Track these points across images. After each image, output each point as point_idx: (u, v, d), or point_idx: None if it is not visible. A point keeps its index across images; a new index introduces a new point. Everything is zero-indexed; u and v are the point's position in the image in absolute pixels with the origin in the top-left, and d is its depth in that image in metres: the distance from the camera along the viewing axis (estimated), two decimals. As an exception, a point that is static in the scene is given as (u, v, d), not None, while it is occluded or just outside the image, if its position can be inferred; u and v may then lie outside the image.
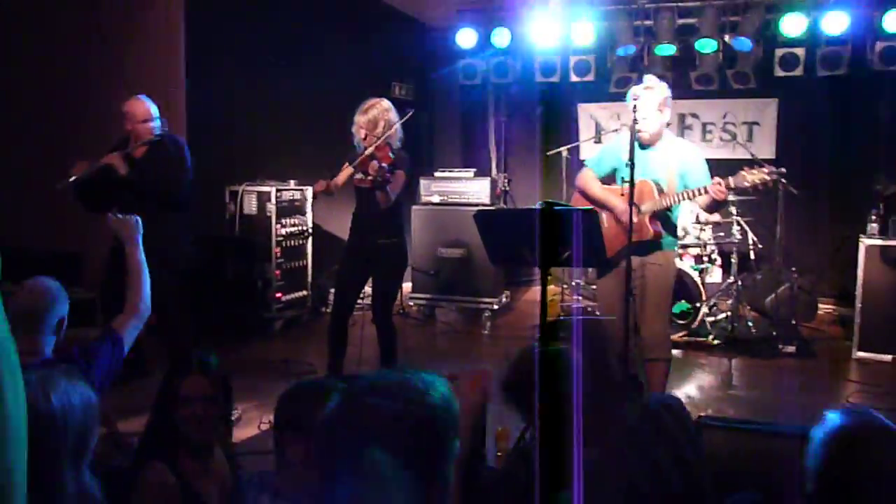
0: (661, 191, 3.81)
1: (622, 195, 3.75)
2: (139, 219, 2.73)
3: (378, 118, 4.13)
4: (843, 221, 6.66)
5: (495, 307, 6.61)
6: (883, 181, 6.17)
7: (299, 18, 6.38)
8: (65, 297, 2.36)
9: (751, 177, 3.57)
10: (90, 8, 5.65)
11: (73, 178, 3.83)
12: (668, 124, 3.93)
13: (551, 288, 7.32)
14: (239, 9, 5.84)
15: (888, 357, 5.28)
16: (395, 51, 7.95)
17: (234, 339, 5.63)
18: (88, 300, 4.65)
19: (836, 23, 6.48)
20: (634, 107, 3.56)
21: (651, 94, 3.77)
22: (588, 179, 4.02)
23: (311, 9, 6.53)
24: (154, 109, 4.13)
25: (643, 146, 3.78)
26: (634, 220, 3.59)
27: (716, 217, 6.06)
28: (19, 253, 5.34)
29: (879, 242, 5.36)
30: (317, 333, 5.76)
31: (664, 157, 3.84)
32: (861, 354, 5.39)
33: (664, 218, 3.89)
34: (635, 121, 3.53)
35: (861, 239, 5.44)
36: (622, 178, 3.83)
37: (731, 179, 3.60)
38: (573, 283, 6.82)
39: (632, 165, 3.46)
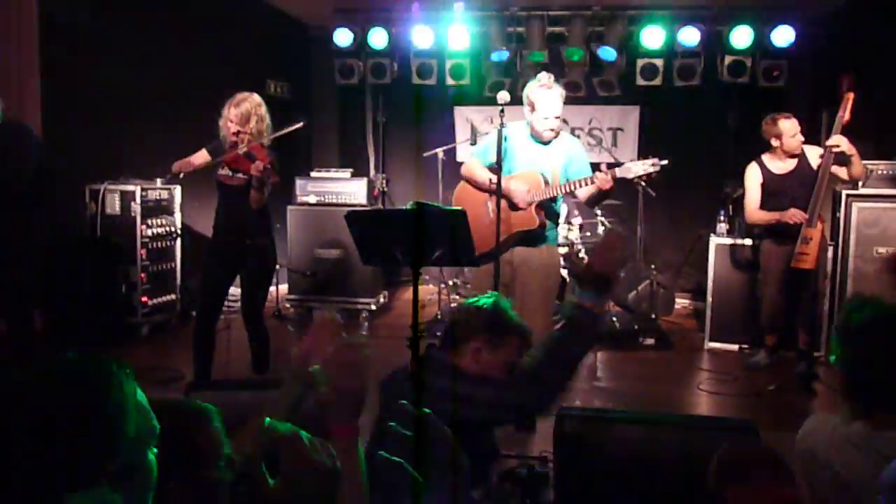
0: (546, 182, 3.89)
1: (510, 181, 3.86)
2: None
3: (250, 112, 3.98)
4: (697, 222, 7.17)
5: (373, 307, 6.63)
6: (731, 184, 6.70)
7: (169, 8, 6.12)
8: None
9: (636, 167, 3.74)
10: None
11: None
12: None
13: (429, 288, 7.44)
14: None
15: (735, 347, 5.73)
16: (271, 48, 7.79)
17: (98, 346, 5.33)
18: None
19: (690, 37, 6.96)
20: (534, 104, 3.81)
21: (556, 93, 3.87)
22: (474, 168, 4.04)
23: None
24: None
25: (539, 141, 3.91)
26: (522, 210, 3.74)
27: (582, 218, 6.37)
28: None
29: (727, 241, 5.80)
30: (186, 338, 5.50)
31: (552, 151, 3.96)
32: (712, 345, 5.82)
33: (549, 210, 3.98)
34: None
35: (711, 238, 5.86)
36: (510, 166, 3.93)
37: (616, 170, 3.75)
38: (450, 283, 6.94)
39: (499, 160, 3.62)
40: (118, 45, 5.72)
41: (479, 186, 4.00)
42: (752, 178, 5.10)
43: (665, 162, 3.76)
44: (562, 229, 6.32)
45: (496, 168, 3.68)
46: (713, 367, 5.42)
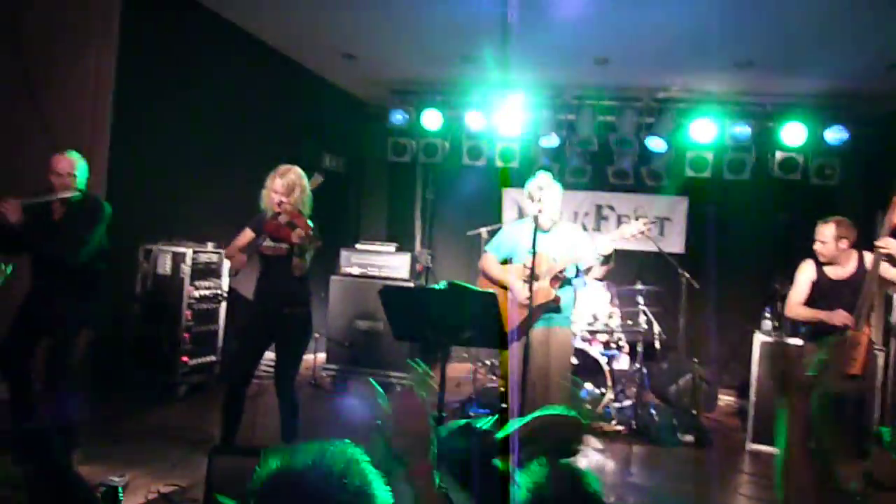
0: (554, 259, 4.36)
1: (516, 272, 4.40)
2: None
3: (295, 183, 4.12)
4: (742, 316, 7.01)
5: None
6: (780, 281, 6.55)
7: (231, 81, 6.45)
8: None
9: (628, 229, 4.23)
10: (15, 56, 5.61)
11: None
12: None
13: (464, 367, 7.39)
14: (168, 69, 5.88)
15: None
16: (329, 123, 8.11)
17: (136, 403, 5.43)
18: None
19: (741, 130, 6.99)
20: (539, 198, 4.28)
21: (556, 190, 4.41)
22: (488, 262, 4.60)
23: (243, 73, 6.63)
24: (79, 166, 4.12)
25: (543, 230, 4.35)
26: (523, 291, 4.22)
27: (621, 308, 6.31)
28: None
29: (773, 339, 5.64)
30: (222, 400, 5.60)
31: (558, 238, 4.46)
32: (754, 447, 5.59)
33: (562, 287, 4.42)
34: (538, 210, 4.24)
35: (756, 334, 5.71)
36: (518, 259, 4.49)
37: (613, 233, 4.34)
38: (487, 363, 6.89)
39: (534, 244, 4.04)
40: (184, 112, 6.03)
41: (494, 281, 4.50)
42: (805, 273, 4.74)
43: (653, 221, 4.31)
44: (603, 317, 6.27)
45: (509, 260, 4.43)
46: (754, 470, 5.19)
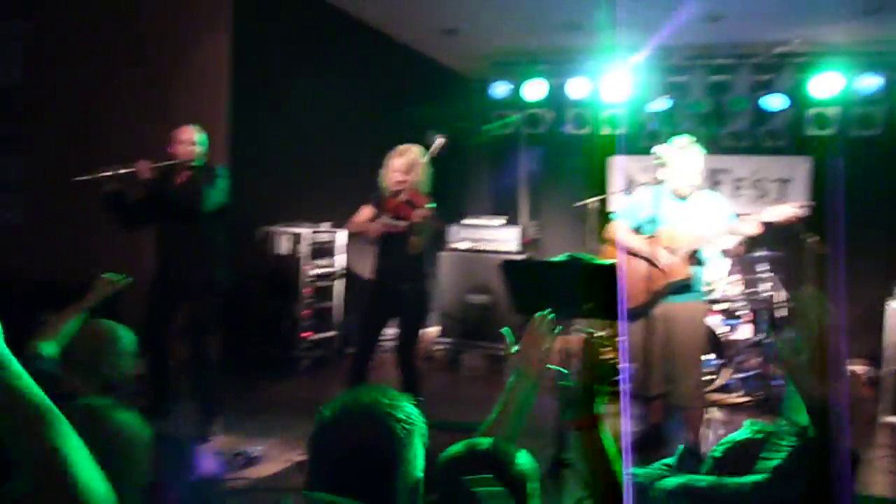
0: (694, 234, 4.02)
1: (655, 243, 4.05)
2: None
3: (414, 162, 4.21)
4: (874, 283, 6.58)
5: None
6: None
7: (334, 63, 6.58)
8: (125, 337, 2.48)
9: (783, 210, 3.84)
10: (138, 47, 5.93)
11: (94, 176, 4.05)
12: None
13: (577, 338, 7.31)
14: (278, 49, 6.05)
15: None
16: (431, 99, 8.14)
17: (261, 377, 5.71)
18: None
19: (869, 83, 6.51)
20: (674, 162, 3.98)
21: (695, 152, 4.06)
22: (620, 231, 4.21)
23: (348, 53, 6.74)
24: (199, 137, 4.33)
25: (680, 199, 4.07)
26: (670, 261, 3.92)
27: (743, 275, 6.05)
28: (55, 285, 5.55)
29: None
30: (342, 374, 5.80)
31: (696, 207, 4.10)
32: (889, 419, 5.27)
33: (697, 260, 4.09)
34: (663, 175, 3.92)
35: (888, 302, 5.36)
36: (651, 228, 4.14)
37: (763, 213, 3.88)
38: (600, 334, 6.79)
39: (658, 217, 3.77)
40: (295, 97, 6.21)
41: (626, 250, 4.15)
42: None
43: (813, 203, 3.83)
44: (722, 285, 6.04)
45: (638, 230, 4.04)
46: (890, 443, 4.90)
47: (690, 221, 4.05)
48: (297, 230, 6.09)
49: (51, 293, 5.71)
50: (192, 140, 4.29)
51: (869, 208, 7.09)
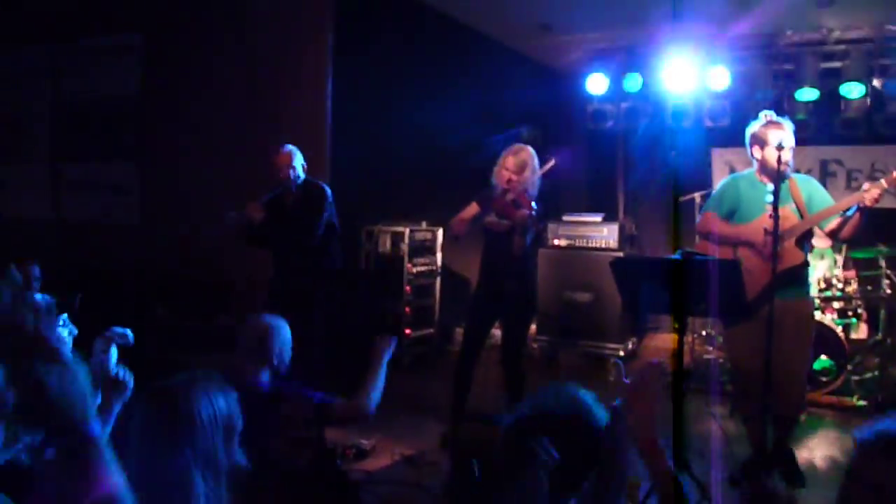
0: (801, 214, 3.73)
1: (756, 230, 3.71)
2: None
3: (526, 162, 4.21)
4: None
5: (622, 353, 6.52)
6: None
7: (430, 62, 6.65)
8: (284, 331, 2.88)
9: (869, 194, 3.42)
10: (249, 62, 6.19)
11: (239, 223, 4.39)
12: None
13: (670, 336, 7.12)
14: (376, 50, 6.17)
15: None
16: (523, 95, 8.11)
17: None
18: (233, 326, 5.05)
19: None
20: (770, 139, 3.63)
21: (787, 128, 3.73)
22: (712, 222, 3.89)
23: (442, 52, 6.80)
24: (296, 157, 4.50)
25: (771, 179, 3.68)
26: (779, 247, 3.49)
27: (860, 270, 5.76)
28: (182, 280, 5.87)
29: None
30: (442, 370, 5.88)
31: (790, 186, 3.77)
32: None
33: (805, 249, 3.78)
34: (779, 156, 3.51)
35: None
36: (743, 215, 3.83)
37: (883, 181, 3.43)
38: (703, 333, 6.61)
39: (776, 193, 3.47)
40: (395, 96, 6.31)
41: (724, 240, 3.83)
42: None
43: None
44: (838, 282, 5.77)
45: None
46: None
47: (790, 203, 3.74)
48: (397, 229, 6.21)
49: (163, 288, 6.07)
50: (290, 162, 4.48)
51: None
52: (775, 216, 3.41)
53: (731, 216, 3.88)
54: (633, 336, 7.07)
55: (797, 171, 4.10)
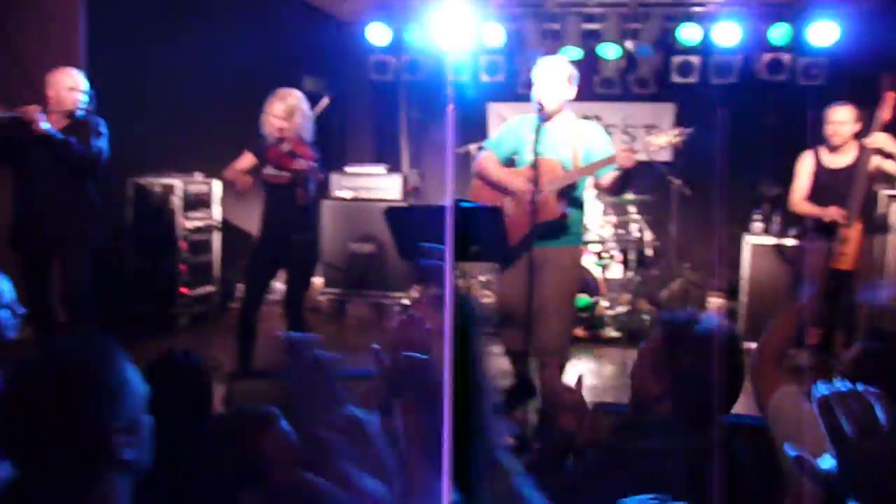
0: (564, 167, 3.67)
1: (523, 175, 3.66)
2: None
3: (295, 107, 4.02)
4: (731, 220, 7.11)
5: (406, 302, 6.70)
6: (766, 183, 6.64)
7: (204, 2, 6.23)
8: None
9: (657, 140, 3.59)
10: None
11: None
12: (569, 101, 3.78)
13: (458, 283, 7.48)
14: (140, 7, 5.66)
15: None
16: (303, 43, 7.87)
17: (138, 335, 5.48)
18: None
19: (728, 34, 6.90)
20: (537, 79, 3.61)
21: (557, 64, 3.70)
22: (487, 162, 3.83)
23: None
24: (85, 84, 4.03)
25: (544, 119, 3.60)
26: (537, 197, 3.47)
27: (616, 217, 6.37)
28: None
29: (762, 241, 5.75)
30: (223, 329, 5.68)
31: (565, 134, 3.70)
32: (746, 345, 5.77)
33: (571, 200, 3.74)
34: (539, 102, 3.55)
35: (745, 237, 5.82)
36: (523, 159, 3.76)
37: (637, 145, 3.62)
38: (482, 279, 6.98)
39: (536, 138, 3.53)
40: (161, 43, 5.83)
41: (491, 184, 3.82)
42: (803, 167, 4.90)
43: (690, 130, 3.60)
44: (594, 227, 6.33)
45: (512, 161, 3.73)
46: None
47: (561, 150, 3.65)
48: (168, 181, 5.80)
49: None
50: (79, 87, 3.97)
51: (727, 151, 7.60)
52: (535, 163, 3.55)
53: (511, 159, 3.86)
54: (417, 285, 7.29)
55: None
